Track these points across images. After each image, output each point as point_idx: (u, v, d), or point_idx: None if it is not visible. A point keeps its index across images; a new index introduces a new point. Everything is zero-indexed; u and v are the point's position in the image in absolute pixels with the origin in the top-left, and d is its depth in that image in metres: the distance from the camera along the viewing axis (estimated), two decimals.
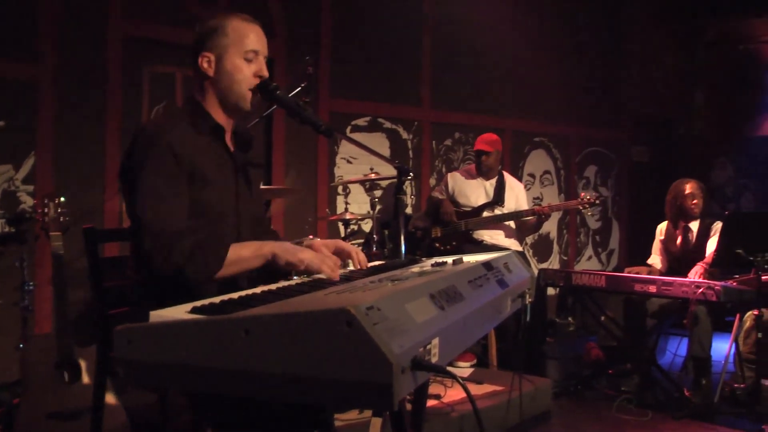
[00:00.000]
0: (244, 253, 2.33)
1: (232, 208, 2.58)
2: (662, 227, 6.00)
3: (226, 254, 2.30)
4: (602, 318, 5.67)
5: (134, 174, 2.38)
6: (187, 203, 2.40)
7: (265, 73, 2.56)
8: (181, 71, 5.83)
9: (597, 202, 6.08)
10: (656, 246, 6.02)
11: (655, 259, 5.99)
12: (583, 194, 6.14)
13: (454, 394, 4.35)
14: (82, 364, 3.57)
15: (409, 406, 2.98)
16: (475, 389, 4.61)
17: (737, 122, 10.67)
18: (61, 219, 3.84)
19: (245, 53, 2.53)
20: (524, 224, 6.10)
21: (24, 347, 3.87)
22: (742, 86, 10.30)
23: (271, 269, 2.37)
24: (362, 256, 2.54)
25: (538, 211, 5.85)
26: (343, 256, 2.48)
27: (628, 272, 5.65)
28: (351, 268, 2.53)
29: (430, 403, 4.13)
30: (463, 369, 5.21)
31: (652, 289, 4.85)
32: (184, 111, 2.59)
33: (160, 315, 1.67)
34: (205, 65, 2.54)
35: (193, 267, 2.25)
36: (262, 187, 5.09)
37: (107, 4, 5.50)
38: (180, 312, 1.68)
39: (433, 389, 4.32)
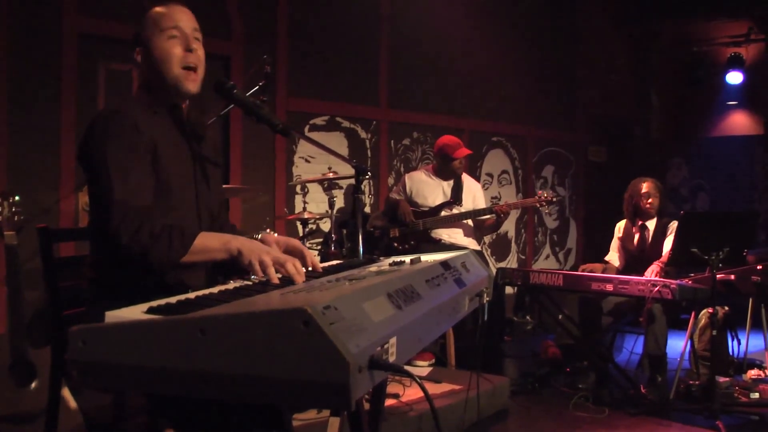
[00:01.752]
0: (211, 244, 2.30)
1: (191, 191, 2.56)
2: (621, 225, 6.06)
3: (193, 241, 2.28)
4: (559, 317, 5.71)
5: (96, 151, 2.34)
6: (152, 182, 2.38)
7: (193, 45, 2.52)
8: (137, 68, 5.78)
9: (554, 200, 6.13)
10: (614, 244, 6.09)
11: (613, 257, 6.05)
12: (540, 192, 6.20)
13: (412, 393, 4.36)
14: (37, 365, 3.52)
15: (367, 406, 2.98)
16: (433, 388, 4.63)
17: (692, 123, 10.87)
18: (16, 218, 3.78)
19: (166, 32, 2.50)
20: (483, 223, 6.13)
21: None
22: (696, 88, 10.47)
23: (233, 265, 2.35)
24: (315, 259, 2.52)
25: (496, 210, 5.89)
26: (294, 254, 2.45)
27: (583, 269, 5.72)
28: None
29: (389, 402, 4.14)
30: (421, 368, 5.23)
31: (609, 287, 4.90)
32: (139, 95, 2.59)
33: (115, 315, 1.65)
34: (139, 59, 2.55)
35: (158, 248, 2.21)
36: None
37: (60, 1, 5.44)
38: (136, 312, 1.67)
39: (392, 388, 4.33)
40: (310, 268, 2.44)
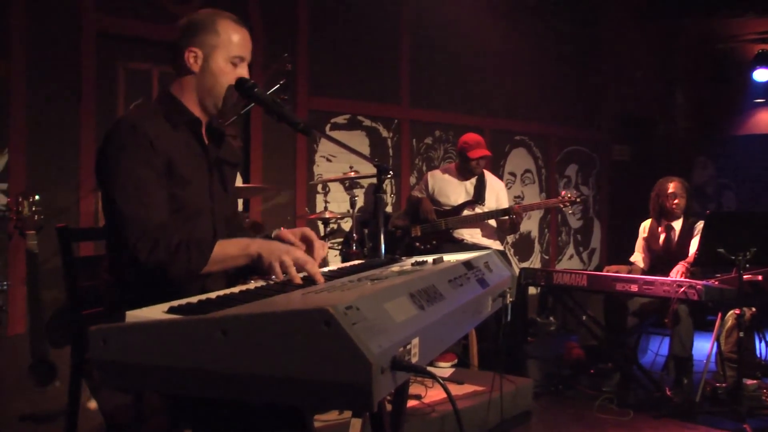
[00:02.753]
0: (229, 251, 2.31)
1: (207, 205, 2.57)
2: (646, 225, 6.03)
3: (212, 251, 2.28)
4: (583, 317, 5.68)
5: (113, 166, 2.34)
6: (167, 196, 2.39)
7: (245, 73, 2.56)
8: (157, 68, 5.80)
9: (578, 200, 6.10)
10: (639, 244, 6.05)
11: (638, 257, 6.02)
12: (563, 192, 6.16)
13: (434, 394, 4.35)
14: (57, 365, 3.54)
15: (389, 407, 2.98)
16: (456, 389, 4.62)
17: (718, 121, 10.76)
18: (36, 218, 3.81)
19: (232, 58, 2.52)
20: (502, 224, 6.11)
21: None
22: (722, 85, 10.38)
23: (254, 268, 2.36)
24: (321, 251, 2.53)
25: (513, 211, 5.86)
26: (306, 243, 2.46)
27: (608, 271, 5.68)
28: (331, 267, 2.52)
29: (411, 403, 4.13)
30: (444, 369, 5.22)
31: (634, 288, 4.87)
32: (159, 106, 2.57)
33: (136, 315, 1.65)
34: (191, 60, 2.52)
35: (178, 263, 2.22)
36: (240, 185, 5.08)
37: (79, 0, 5.47)
38: (157, 312, 1.67)
39: (414, 389, 4.32)
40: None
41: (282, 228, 2.42)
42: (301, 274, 2.22)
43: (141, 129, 2.37)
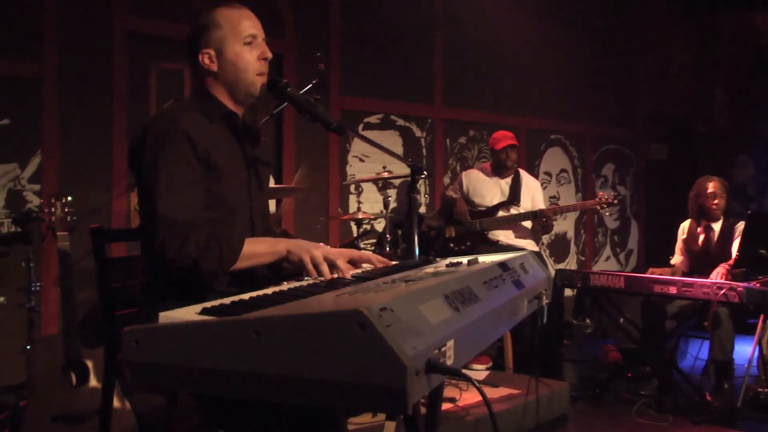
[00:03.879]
0: (258, 249, 2.35)
1: (245, 201, 2.59)
2: (685, 226, 5.97)
3: (242, 248, 2.31)
4: (620, 320, 5.63)
5: (148, 161, 2.37)
6: (203, 193, 2.40)
7: (269, 54, 2.58)
8: (187, 66, 5.85)
9: (615, 201, 6.06)
10: (679, 245, 6.00)
11: (678, 259, 5.96)
12: (600, 193, 6.13)
13: (469, 397, 4.34)
14: (90, 365, 3.57)
15: (423, 410, 2.97)
16: (491, 392, 4.60)
17: (758, 119, 10.62)
18: (68, 218, 3.85)
19: (243, 39, 2.54)
20: (534, 225, 6.09)
21: (30, 349, 3.89)
22: (762, 81, 10.25)
23: (280, 269, 2.38)
24: (376, 257, 2.54)
25: (540, 213, 5.83)
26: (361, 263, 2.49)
27: (651, 273, 5.62)
28: (365, 268, 2.52)
29: (445, 406, 4.12)
30: (479, 372, 5.20)
31: (672, 290, 4.82)
32: (194, 101, 2.60)
33: (169, 316, 1.66)
34: (207, 61, 2.55)
35: (207, 260, 2.25)
36: (272, 185, 5.10)
37: (112, 1, 5.52)
38: (190, 313, 1.68)
39: (448, 392, 4.31)
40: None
41: (321, 245, 2.44)
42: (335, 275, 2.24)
43: (178, 124, 2.39)
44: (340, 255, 2.32)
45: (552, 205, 6.04)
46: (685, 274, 5.70)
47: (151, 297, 2.46)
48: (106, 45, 5.54)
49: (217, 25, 2.54)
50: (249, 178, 2.63)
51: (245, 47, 2.54)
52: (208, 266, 2.25)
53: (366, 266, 2.52)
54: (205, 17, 2.58)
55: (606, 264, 9.54)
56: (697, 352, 5.75)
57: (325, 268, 2.26)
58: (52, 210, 3.82)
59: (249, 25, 2.57)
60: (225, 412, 2.13)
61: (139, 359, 1.58)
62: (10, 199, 5.16)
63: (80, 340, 3.61)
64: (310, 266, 2.28)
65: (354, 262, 2.44)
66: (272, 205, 5.82)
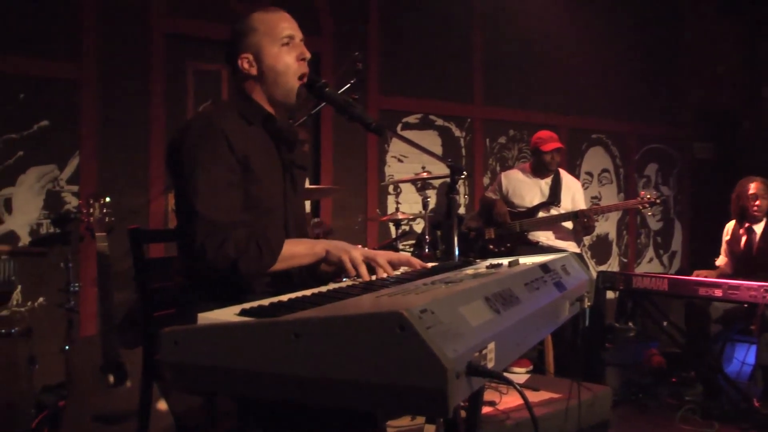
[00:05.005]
0: (297, 250, 2.37)
1: (280, 204, 2.60)
2: (729, 227, 5.91)
3: (281, 249, 2.32)
4: (664, 323, 5.58)
5: (187, 162, 2.39)
6: (242, 194, 2.42)
7: (307, 54, 2.59)
8: (226, 68, 5.88)
9: (658, 201, 6.00)
10: (724, 247, 5.94)
11: (723, 260, 5.90)
12: (643, 193, 6.07)
13: (509, 400, 4.32)
14: (128, 366, 3.61)
15: (463, 413, 2.96)
16: (532, 396, 4.57)
17: None
18: (106, 219, 3.90)
19: (280, 41, 2.56)
20: (575, 226, 6.06)
21: (69, 349, 3.94)
22: None
23: (318, 273, 2.40)
24: (415, 260, 2.55)
25: (583, 213, 5.79)
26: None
27: (697, 276, 5.56)
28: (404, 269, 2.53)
29: (485, 410, 4.11)
30: (519, 375, 5.17)
31: (718, 293, 4.76)
32: (233, 103, 2.63)
33: (208, 317, 1.67)
34: (246, 66, 2.58)
35: (246, 261, 2.26)
36: (310, 186, 5.12)
37: (149, 2, 5.58)
38: (228, 314, 1.69)
39: (488, 395, 4.29)
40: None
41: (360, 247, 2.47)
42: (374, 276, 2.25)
43: (217, 125, 2.41)
44: (380, 255, 2.33)
45: (593, 206, 5.99)
46: (730, 277, 5.64)
47: (188, 298, 2.48)
48: (143, 46, 5.60)
49: (254, 30, 2.57)
50: (284, 181, 2.64)
51: (283, 48, 2.56)
52: (248, 267, 2.27)
53: (403, 269, 2.52)
54: (242, 23, 2.61)
55: (649, 266, 9.44)
56: (744, 357, 5.68)
57: (363, 268, 2.27)
58: (91, 211, 3.87)
59: (285, 26, 2.59)
60: (263, 414, 2.14)
61: (177, 360, 1.59)
62: (49, 200, 5.23)
63: (118, 341, 3.65)
64: (349, 266, 2.30)
65: (392, 265, 2.44)
66: (307, 206, 5.84)
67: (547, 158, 6.00)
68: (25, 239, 5.16)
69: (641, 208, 6.03)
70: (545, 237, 5.97)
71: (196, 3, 5.83)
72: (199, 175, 2.35)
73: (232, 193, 2.39)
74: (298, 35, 2.61)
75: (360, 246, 2.43)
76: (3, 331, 3.86)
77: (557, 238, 5.99)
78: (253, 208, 2.46)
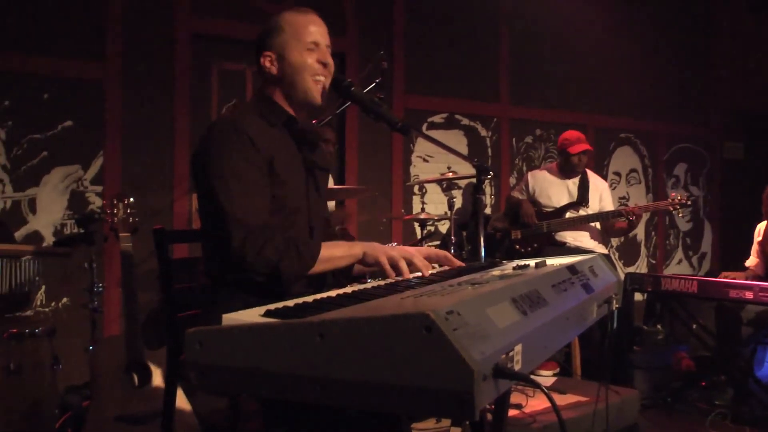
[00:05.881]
0: (335, 252, 2.39)
1: (304, 205, 2.61)
2: (761, 227, 5.86)
3: (319, 252, 2.34)
4: (693, 326, 5.55)
5: (215, 165, 2.40)
6: (269, 195, 2.44)
7: (329, 61, 2.61)
8: (251, 68, 5.90)
9: (688, 202, 5.96)
10: (755, 247, 5.88)
11: (754, 261, 5.85)
12: (673, 194, 6.03)
13: (535, 403, 4.31)
14: (152, 366, 3.63)
15: (489, 416, 2.96)
16: (559, 399, 4.55)
17: None
18: (130, 220, 3.91)
19: (306, 45, 2.57)
20: (612, 226, 6.02)
21: (93, 349, 3.97)
22: None
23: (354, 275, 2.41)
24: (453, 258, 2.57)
25: (626, 212, 5.75)
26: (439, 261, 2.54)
27: (724, 278, 5.52)
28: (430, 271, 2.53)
29: (511, 413, 4.10)
30: (546, 378, 5.16)
31: (749, 295, 4.72)
32: (255, 105, 2.64)
33: (233, 318, 1.68)
34: (268, 64, 2.59)
35: (287, 263, 2.28)
36: (335, 186, 5.13)
37: (174, 1, 5.61)
38: (253, 315, 1.69)
39: (514, 398, 4.28)
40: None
41: (395, 244, 2.48)
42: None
43: (242, 127, 2.42)
44: (418, 253, 2.35)
45: (621, 206, 5.96)
46: (761, 278, 5.59)
47: (213, 297, 2.49)
48: (168, 46, 5.63)
49: (281, 29, 2.58)
50: (307, 182, 2.65)
51: (306, 53, 2.57)
52: (288, 270, 2.28)
53: (435, 266, 2.54)
54: (272, 21, 2.63)
55: (678, 267, 9.38)
56: None
57: (403, 265, 2.29)
58: (115, 211, 3.89)
59: (313, 31, 2.60)
60: (288, 415, 2.14)
61: (202, 361, 1.60)
62: (73, 200, 5.27)
63: (142, 341, 3.67)
64: (388, 267, 2.31)
65: (429, 260, 2.46)
66: (331, 205, 5.85)
67: (574, 160, 5.99)
68: (49, 239, 5.21)
69: (672, 209, 5.99)
70: (572, 238, 5.95)
71: (221, 2, 5.85)
72: (229, 179, 2.36)
73: (262, 195, 2.41)
74: (325, 41, 2.62)
75: (395, 243, 2.45)
76: (27, 331, 3.89)
77: (585, 238, 5.97)
78: (278, 209, 2.47)
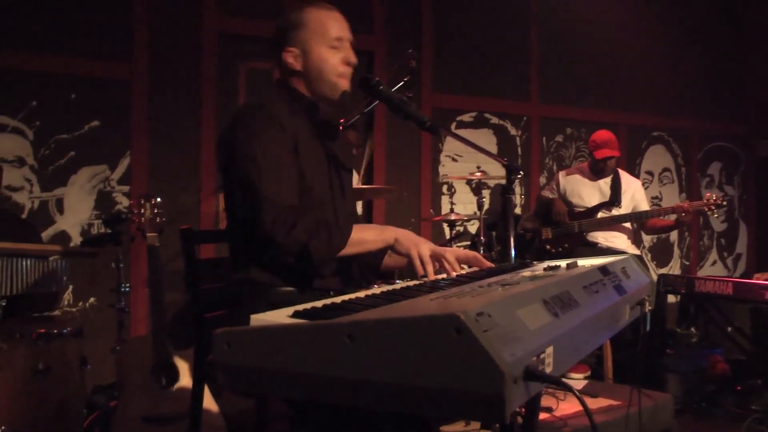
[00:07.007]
0: (366, 235, 2.39)
1: (327, 191, 2.62)
2: None
3: (350, 233, 2.34)
4: (728, 329, 5.50)
5: (245, 147, 2.42)
6: (298, 178, 2.45)
7: (353, 59, 2.63)
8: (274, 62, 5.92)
9: (724, 203, 5.91)
10: None
11: None
12: (708, 195, 5.98)
13: (566, 407, 4.29)
14: (179, 367, 3.65)
15: (519, 419, 2.95)
16: (590, 403, 4.53)
17: None
18: (157, 220, 3.94)
19: (329, 41, 2.58)
20: (655, 224, 5.99)
21: (120, 350, 3.99)
22: None
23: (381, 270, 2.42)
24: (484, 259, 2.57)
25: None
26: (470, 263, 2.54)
27: (757, 278, 5.47)
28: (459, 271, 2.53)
29: (541, 416, 4.08)
30: (577, 381, 5.14)
31: None
32: (278, 92, 2.66)
33: (260, 319, 1.69)
34: (291, 60, 2.61)
35: (317, 244, 2.29)
36: (363, 186, 5.13)
37: (200, 1, 5.64)
38: (281, 316, 1.70)
39: (544, 401, 4.26)
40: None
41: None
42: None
43: (270, 110, 2.45)
44: (448, 251, 2.36)
45: (654, 207, 5.92)
46: None
47: (241, 298, 2.50)
48: (194, 45, 5.66)
49: (304, 26, 2.59)
50: (330, 171, 2.67)
51: (330, 50, 2.59)
52: (318, 251, 2.29)
53: (465, 267, 2.54)
54: (294, 15, 2.63)
55: (712, 269, 9.30)
56: None
57: (430, 267, 2.29)
58: (142, 211, 3.92)
59: (336, 27, 2.61)
60: (316, 417, 2.15)
61: (230, 362, 1.60)
62: (100, 200, 5.31)
63: (170, 342, 3.69)
64: (417, 262, 2.31)
65: (459, 261, 2.46)
66: (359, 207, 5.87)
67: (600, 165, 5.99)
68: (76, 239, 5.25)
69: (707, 209, 5.94)
70: (603, 238, 5.92)
71: (247, 1, 5.88)
72: (260, 160, 2.37)
73: (291, 176, 2.43)
74: (348, 37, 2.63)
75: (428, 240, 2.45)
76: (55, 331, 3.92)
77: (617, 239, 5.94)
78: (303, 193, 2.49)
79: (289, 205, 2.34)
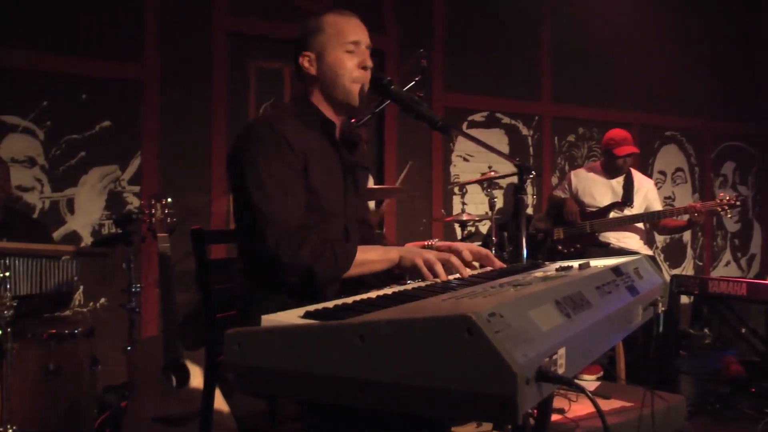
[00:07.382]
0: (371, 256, 2.39)
1: (340, 208, 2.62)
2: None
3: (355, 255, 2.34)
4: (742, 330, 5.48)
5: (251, 165, 2.42)
6: (305, 196, 2.45)
7: (369, 63, 2.62)
8: (289, 66, 5.93)
9: (738, 203, 5.88)
10: None
11: None
12: (721, 194, 5.96)
13: (578, 408, 4.28)
14: (190, 367, 3.66)
15: (531, 420, 2.95)
16: (603, 404, 4.50)
17: None
18: (168, 220, 3.95)
19: (345, 45, 2.58)
20: (668, 224, 5.97)
21: (131, 350, 4.00)
22: None
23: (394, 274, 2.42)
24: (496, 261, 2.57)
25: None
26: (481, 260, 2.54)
27: None
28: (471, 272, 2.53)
29: (553, 417, 4.07)
30: (589, 382, 5.12)
31: None
32: (292, 106, 2.66)
33: (271, 319, 1.69)
34: (307, 64, 2.61)
35: (322, 266, 2.29)
36: (374, 186, 5.13)
37: (211, 1, 5.65)
38: (292, 317, 1.70)
39: (556, 403, 4.25)
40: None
41: (436, 240, 2.49)
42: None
43: (278, 128, 2.44)
44: (451, 254, 2.36)
45: (667, 207, 5.90)
46: None
47: (251, 298, 2.50)
48: (205, 45, 5.67)
49: (322, 30, 2.60)
50: (345, 184, 2.66)
51: (346, 54, 2.59)
52: (323, 272, 2.29)
53: (476, 265, 2.54)
54: (312, 21, 2.65)
55: (726, 269, 9.27)
56: None
57: (439, 267, 2.29)
58: (152, 211, 3.93)
59: (352, 31, 2.61)
60: (327, 418, 2.15)
61: (241, 362, 1.61)
62: (111, 200, 5.33)
63: (180, 342, 3.70)
64: (425, 270, 2.31)
65: (472, 253, 2.47)
66: (371, 205, 5.86)
67: (619, 162, 5.96)
68: (87, 239, 5.27)
69: (720, 210, 5.92)
70: (616, 238, 5.91)
71: (258, 1, 5.88)
72: (266, 179, 2.38)
73: (298, 195, 2.43)
74: (365, 42, 2.64)
75: (436, 240, 2.45)
76: (66, 331, 3.94)
77: (629, 239, 5.92)
78: (313, 211, 2.48)
79: (295, 225, 2.34)
